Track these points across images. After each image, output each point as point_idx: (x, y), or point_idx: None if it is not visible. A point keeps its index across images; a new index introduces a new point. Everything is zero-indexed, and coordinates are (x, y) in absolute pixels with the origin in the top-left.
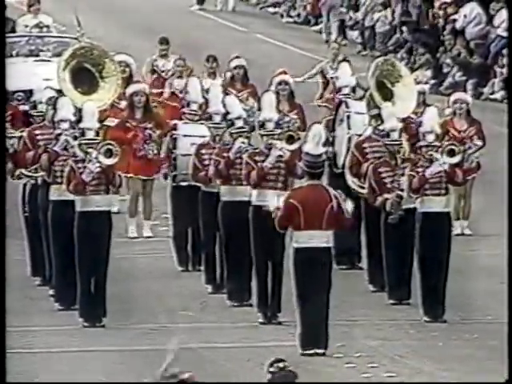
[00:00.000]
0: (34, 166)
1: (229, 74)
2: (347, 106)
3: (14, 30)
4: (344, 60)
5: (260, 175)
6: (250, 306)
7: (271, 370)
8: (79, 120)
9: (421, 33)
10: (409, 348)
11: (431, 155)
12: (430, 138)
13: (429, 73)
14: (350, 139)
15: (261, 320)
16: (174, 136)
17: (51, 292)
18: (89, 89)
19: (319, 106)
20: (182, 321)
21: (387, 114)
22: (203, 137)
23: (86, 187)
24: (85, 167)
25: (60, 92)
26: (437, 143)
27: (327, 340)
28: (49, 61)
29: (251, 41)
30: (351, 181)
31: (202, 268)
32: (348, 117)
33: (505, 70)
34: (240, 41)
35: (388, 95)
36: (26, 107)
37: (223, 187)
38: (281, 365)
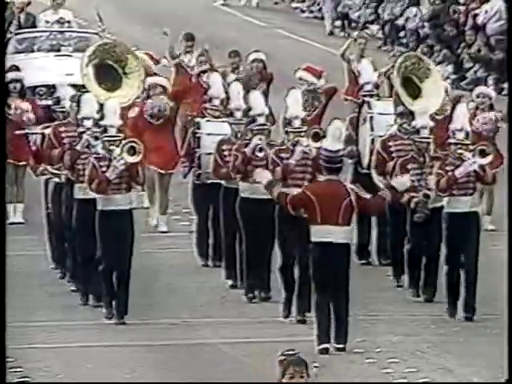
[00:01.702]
0: (60, 164)
1: (247, 68)
2: (370, 107)
3: (34, 25)
4: (363, 56)
5: (285, 172)
6: (268, 299)
7: (281, 358)
8: (101, 117)
9: (441, 28)
10: (430, 343)
11: (461, 154)
12: (460, 135)
13: (450, 68)
14: (373, 141)
15: (282, 319)
16: (198, 135)
17: (72, 288)
18: (112, 85)
19: (346, 99)
20: (201, 316)
21: (420, 111)
22: (226, 135)
23: (108, 186)
24: (108, 165)
25: (83, 87)
26: (467, 141)
27: (346, 336)
28: (70, 56)
29: (272, 36)
30: (377, 179)
31: (223, 263)
32: (371, 118)
33: None
34: (261, 36)
35: (415, 92)
36: (49, 102)
37: (242, 183)
38: (290, 352)
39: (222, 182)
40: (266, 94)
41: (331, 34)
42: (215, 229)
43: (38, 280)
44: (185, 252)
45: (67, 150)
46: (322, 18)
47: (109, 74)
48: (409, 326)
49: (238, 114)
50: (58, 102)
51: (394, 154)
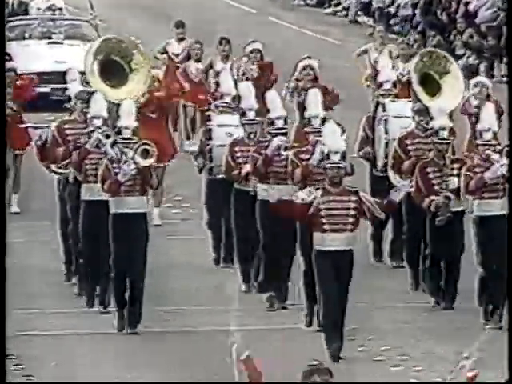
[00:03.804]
0: (64, 162)
1: (245, 59)
2: (384, 109)
3: (26, 13)
4: (391, 54)
5: (304, 173)
6: (285, 308)
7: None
8: (116, 118)
9: (433, 15)
10: (422, 331)
11: (488, 155)
12: (488, 136)
13: None
14: (387, 144)
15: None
16: (209, 127)
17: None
18: (118, 82)
19: (367, 86)
20: (195, 303)
21: (437, 111)
22: (238, 126)
23: (120, 187)
24: (120, 167)
25: (83, 74)
26: (494, 142)
27: (342, 340)
28: (61, 43)
29: (263, 23)
30: (394, 179)
31: (238, 269)
32: (386, 121)
33: None
34: (251, 23)
35: (434, 89)
36: (46, 89)
37: (261, 186)
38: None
39: (235, 184)
40: (266, 85)
41: (355, 22)
42: (228, 228)
43: (34, 268)
44: (176, 239)
45: (75, 147)
46: (316, 5)
47: (114, 70)
48: (401, 313)
49: (251, 114)
50: (69, 99)
51: (411, 153)
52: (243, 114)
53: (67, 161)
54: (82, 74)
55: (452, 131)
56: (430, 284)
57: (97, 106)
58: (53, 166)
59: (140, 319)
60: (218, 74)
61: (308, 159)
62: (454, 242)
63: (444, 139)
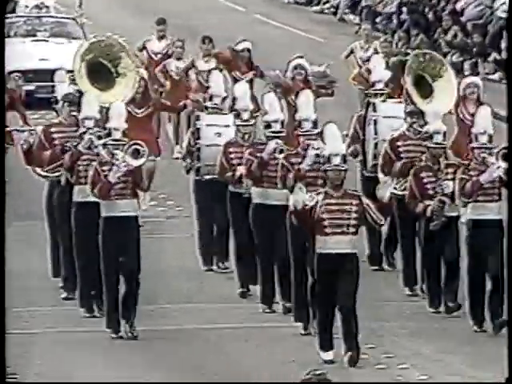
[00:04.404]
0: (51, 166)
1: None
2: (375, 109)
3: (14, 11)
4: (376, 52)
5: (297, 177)
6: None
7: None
8: (106, 120)
9: (419, 14)
10: (406, 330)
11: (484, 158)
12: (483, 139)
13: None
14: (376, 145)
15: (301, 332)
16: (197, 126)
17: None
18: (106, 85)
19: (354, 85)
20: (181, 301)
21: (432, 115)
22: (227, 126)
23: (111, 190)
24: (110, 169)
25: (70, 72)
26: (490, 145)
27: (358, 346)
28: (46, 41)
29: (250, 21)
30: (383, 181)
31: (235, 272)
32: (375, 121)
33: (504, 55)
34: (239, 21)
35: (427, 91)
36: (31, 87)
37: (255, 189)
38: (318, 372)
39: (229, 187)
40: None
41: (343, 20)
42: (220, 230)
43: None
44: (162, 238)
45: (63, 152)
46: (304, 4)
47: (102, 73)
48: (386, 312)
49: (245, 115)
50: (56, 101)
51: (402, 155)
52: (238, 115)
53: (54, 164)
54: (70, 72)
55: (445, 135)
56: (426, 288)
57: (88, 106)
58: (39, 170)
59: (133, 323)
60: (199, 72)
61: (300, 163)
62: (448, 247)
63: (439, 143)
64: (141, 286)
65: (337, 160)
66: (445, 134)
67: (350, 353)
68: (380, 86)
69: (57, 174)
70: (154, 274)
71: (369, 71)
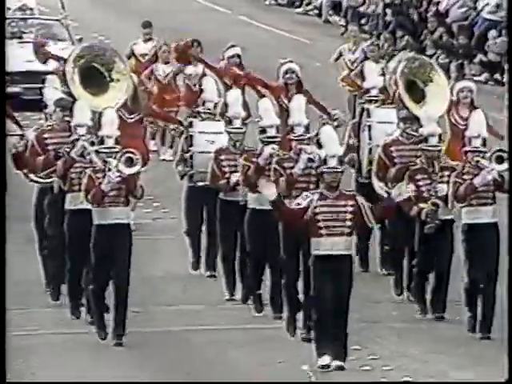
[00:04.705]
0: (45, 172)
1: (223, 63)
2: (369, 115)
3: None
4: (367, 58)
5: (289, 183)
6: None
7: None
8: (98, 127)
9: (404, 15)
10: (391, 330)
11: (478, 161)
12: (477, 142)
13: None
14: (370, 150)
15: (290, 338)
16: (190, 133)
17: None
18: (99, 90)
19: (343, 86)
20: (164, 303)
21: (426, 118)
22: (219, 133)
23: (105, 197)
24: (103, 177)
25: (51, 74)
26: (484, 149)
27: (346, 353)
28: (31, 42)
29: (235, 23)
30: (378, 186)
31: (223, 278)
32: (369, 127)
33: (491, 56)
34: (223, 23)
35: (419, 96)
36: (17, 89)
37: (251, 195)
38: None
39: (220, 194)
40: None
41: (327, 21)
42: (210, 236)
43: None
44: (147, 239)
45: (56, 158)
46: (287, 5)
47: (95, 77)
48: (370, 312)
49: (237, 122)
50: (45, 106)
51: (396, 160)
52: (229, 122)
53: (48, 170)
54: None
55: (440, 137)
56: (417, 292)
57: (80, 113)
58: (32, 176)
59: (124, 330)
60: (188, 76)
61: (292, 167)
62: (443, 250)
63: (434, 146)
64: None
65: (333, 162)
66: (440, 136)
67: (337, 362)
68: (374, 92)
69: (50, 179)
70: (137, 276)
71: (362, 76)
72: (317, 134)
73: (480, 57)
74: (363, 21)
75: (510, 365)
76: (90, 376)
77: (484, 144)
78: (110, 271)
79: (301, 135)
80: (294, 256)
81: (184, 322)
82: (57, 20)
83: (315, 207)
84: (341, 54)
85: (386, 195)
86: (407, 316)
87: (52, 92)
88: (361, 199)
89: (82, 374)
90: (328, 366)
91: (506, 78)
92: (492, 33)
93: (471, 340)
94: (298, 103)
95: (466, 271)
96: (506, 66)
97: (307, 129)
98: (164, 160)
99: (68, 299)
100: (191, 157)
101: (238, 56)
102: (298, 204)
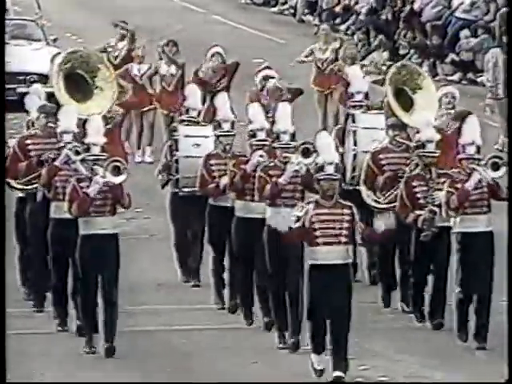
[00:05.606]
0: (27, 178)
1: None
2: (354, 121)
3: None
4: (354, 63)
5: (274, 192)
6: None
7: None
8: (84, 134)
9: (378, 15)
10: (368, 331)
11: (472, 169)
12: (471, 150)
13: (385, 54)
14: (355, 156)
15: (280, 345)
16: (175, 138)
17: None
18: (83, 96)
19: (312, 88)
20: (139, 303)
21: (424, 123)
22: (205, 137)
23: (90, 205)
24: (88, 186)
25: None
26: (478, 156)
27: (347, 364)
28: (7, 43)
29: (209, 22)
30: (366, 195)
31: (212, 288)
32: (354, 132)
33: (464, 56)
34: (198, 22)
35: (408, 103)
36: None
37: (238, 202)
38: None
39: (209, 200)
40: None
41: (302, 21)
42: (196, 244)
43: None
44: (125, 239)
45: (38, 164)
46: (262, 4)
47: (79, 84)
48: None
49: (226, 126)
50: (27, 112)
51: (384, 168)
52: (218, 126)
53: (30, 176)
54: (29, 75)
55: (438, 144)
56: (413, 301)
57: (66, 120)
58: (13, 182)
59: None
60: (163, 77)
61: (279, 175)
62: (438, 258)
63: (431, 152)
64: None
65: (330, 169)
66: (437, 142)
67: (337, 372)
68: (359, 97)
69: (31, 186)
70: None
71: (347, 83)
72: (303, 143)
73: (452, 56)
74: (337, 20)
75: (509, 365)
76: (73, 376)
77: (478, 151)
78: (97, 282)
79: (286, 143)
80: (280, 270)
81: (159, 321)
82: (32, 20)
83: (311, 216)
84: (312, 53)
85: (373, 204)
86: (382, 316)
87: (34, 100)
88: (356, 213)
89: (64, 374)
90: (322, 371)
91: (480, 78)
92: (464, 32)
93: (447, 337)
94: (283, 111)
95: (458, 280)
96: (479, 65)
97: (293, 137)
98: (140, 162)
99: (53, 310)
100: (176, 161)
101: (219, 54)
102: (297, 217)
